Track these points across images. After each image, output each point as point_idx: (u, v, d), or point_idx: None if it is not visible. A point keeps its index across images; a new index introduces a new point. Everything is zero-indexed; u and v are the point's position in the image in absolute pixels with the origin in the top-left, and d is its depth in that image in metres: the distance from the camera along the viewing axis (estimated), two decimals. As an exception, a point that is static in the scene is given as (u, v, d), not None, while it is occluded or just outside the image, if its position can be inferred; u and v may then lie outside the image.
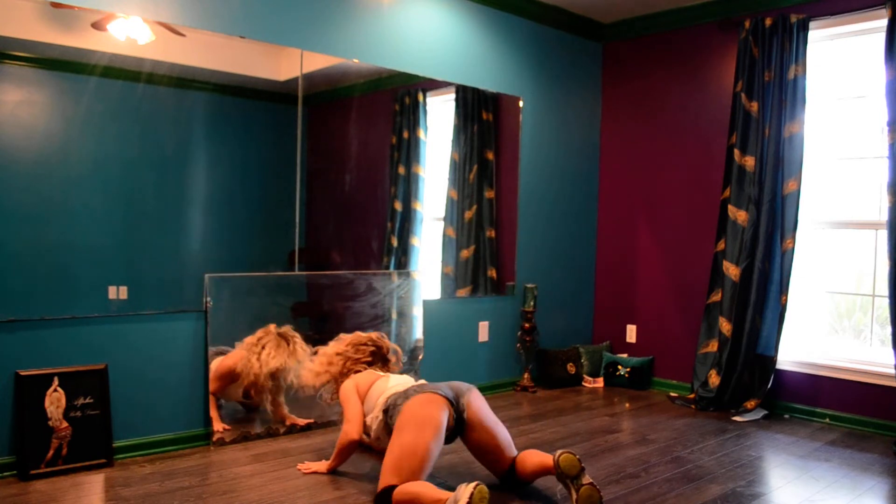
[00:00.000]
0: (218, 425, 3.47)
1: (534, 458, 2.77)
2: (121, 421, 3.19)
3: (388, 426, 2.81)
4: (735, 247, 4.38)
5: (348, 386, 3.11)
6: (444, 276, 4.66)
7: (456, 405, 2.76)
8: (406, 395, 2.77)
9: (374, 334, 3.39)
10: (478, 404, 2.82)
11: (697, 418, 4.18)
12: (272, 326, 3.59)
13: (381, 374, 3.17)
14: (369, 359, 3.28)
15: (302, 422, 3.69)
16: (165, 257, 3.49)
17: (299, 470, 3.09)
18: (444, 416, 2.68)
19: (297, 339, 3.60)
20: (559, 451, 2.63)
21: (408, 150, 4.48)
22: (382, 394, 2.96)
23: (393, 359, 3.37)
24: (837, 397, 4.13)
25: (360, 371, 3.23)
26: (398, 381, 3.03)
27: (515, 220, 4.84)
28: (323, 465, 3.09)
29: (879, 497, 3.01)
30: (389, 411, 2.81)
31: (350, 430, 2.99)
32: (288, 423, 3.65)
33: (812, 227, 4.34)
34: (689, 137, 4.84)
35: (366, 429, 3.01)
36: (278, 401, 3.62)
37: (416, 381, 3.11)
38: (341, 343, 3.33)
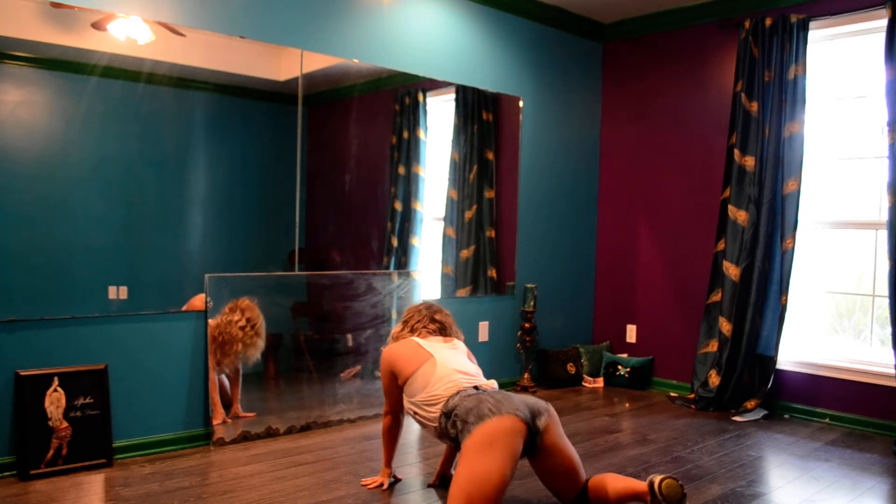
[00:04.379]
0: (219, 415, 3.49)
1: (617, 484, 2.53)
2: (121, 421, 3.19)
3: (445, 432, 2.58)
4: (735, 247, 4.37)
5: (383, 366, 2.87)
6: (444, 276, 4.66)
7: (532, 426, 2.46)
8: (480, 413, 2.41)
9: (418, 304, 3.12)
10: (555, 427, 2.53)
11: (697, 418, 4.18)
12: (246, 301, 3.59)
13: (423, 346, 2.83)
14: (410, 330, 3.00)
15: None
16: (165, 257, 3.49)
17: (364, 485, 2.93)
18: (521, 444, 2.40)
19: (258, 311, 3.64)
20: (659, 477, 2.39)
21: (408, 150, 4.48)
22: (430, 383, 2.66)
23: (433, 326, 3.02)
24: (837, 397, 4.13)
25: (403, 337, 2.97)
26: (445, 366, 2.71)
27: (515, 220, 4.84)
28: (382, 474, 2.96)
29: (879, 497, 3.01)
30: (453, 419, 2.51)
31: (385, 410, 2.91)
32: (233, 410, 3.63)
33: (812, 227, 4.34)
34: (689, 137, 4.84)
35: (408, 411, 2.80)
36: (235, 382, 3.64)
37: (460, 355, 2.86)
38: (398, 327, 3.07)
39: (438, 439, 2.73)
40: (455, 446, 2.57)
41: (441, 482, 2.98)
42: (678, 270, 4.91)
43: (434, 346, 2.85)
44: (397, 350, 2.87)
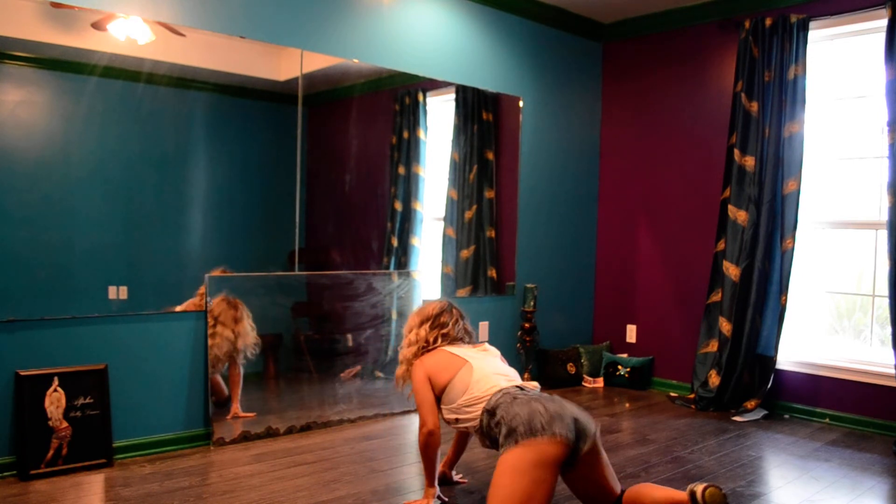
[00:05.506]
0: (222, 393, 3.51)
1: (656, 494, 2.42)
2: (121, 421, 3.19)
3: (488, 431, 2.49)
4: (735, 247, 4.37)
5: (418, 374, 2.74)
6: (444, 275, 4.66)
7: (573, 448, 2.31)
8: (531, 427, 2.27)
9: (443, 303, 2.96)
10: (596, 450, 2.40)
11: (697, 418, 4.18)
12: (216, 300, 3.54)
13: (457, 353, 2.75)
14: (443, 338, 2.85)
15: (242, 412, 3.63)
16: (165, 257, 3.49)
17: None
18: (561, 462, 2.29)
19: (241, 303, 3.58)
20: (702, 486, 2.31)
21: (408, 150, 4.48)
22: (469, 387, 2.59)
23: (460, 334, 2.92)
24: (837, 397, 4.13)
25: (430, 350, 2.83)
26: (482, 370, 2.64)
27: (515, 220, 4.84)
28: (427, 495, 2.76)
29: (879, 497, 3.01)
30: (498, 419, 2.40)
31: (425, 423, 2.67)
32: (233, 410, 3.60)
33: (812, 227, 4.34)
34: (689, 137, 4.84)
35: (447, 419, 2.71)
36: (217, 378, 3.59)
37: (494, 358, 2.77)
38: (415, 319, 2.93)
39: (478, 438, 2.63)
40: (493, 447, 2.49)
41: (441, 481, 2.97)
42: (678, 270, 4.91)
43: (466, 352, 2.77)
44: (430, 360, 2.76)
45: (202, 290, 3.46)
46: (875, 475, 3.25)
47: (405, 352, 2.88)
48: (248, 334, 3.59)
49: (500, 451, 2.34)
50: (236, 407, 3.58)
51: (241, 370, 3.59)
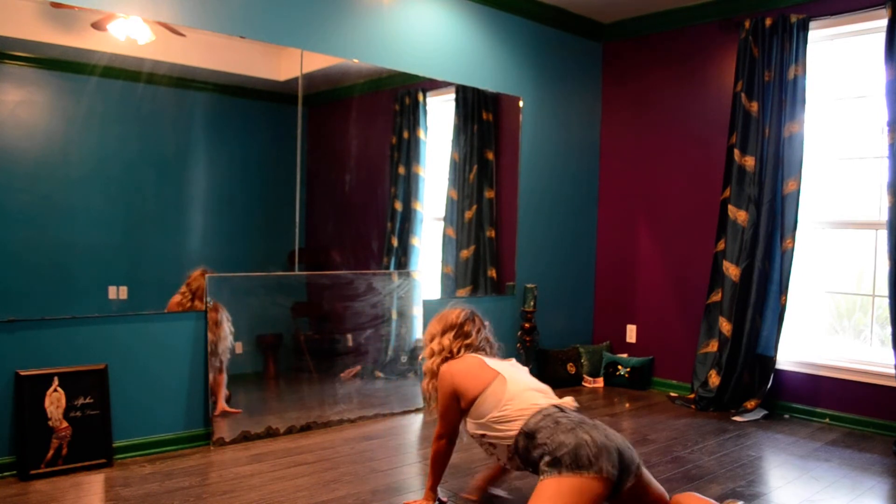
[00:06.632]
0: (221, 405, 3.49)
1: None
2: (121, 421, 3.19)
3: (524, 453, 2.40)
4: (735, 247, 4.38)
5: (445, 384, 2.63)
6: (444, 275, 4.66)
7: (618, 482, 2.26)
8: (577, 458, 2.21)
9: (465, 311, 2.83)
10: (638, 485, 2.34)
11: (697, 418, 4.18)
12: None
13: (488, 363, 2.65)
14: (466, 348, 2.75)
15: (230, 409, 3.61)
16: (165, 257, 3.49)
17: None
18: (602, 500, 2.24)
19: (221, 307, 3.53)
20: None
21: (408, 150, 4.48)
22: (502, 401, 2.49)
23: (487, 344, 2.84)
24: (837, 397, 4.13)
25: (458, 356, 2.72)
26: (517, 383, 2.55)
27: (515, 220, 4.84)
28: (426, 498, 2.73)
29: (879, 497, 3.01)
30: (538, 445, 2.33)
31: (444, 434, 2.64)
32: (219, 408, 3.57)
33: (812, 227, 4.34)
34: (689, 137, 4.84)
35: (473, 434, 2.62)
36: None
37: (525, 372, 2.71)
38: (437, 326, 2.80)
39: (506, 460, 2.54)
40: (528, 469, 2.43)
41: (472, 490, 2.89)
42: (678, 270, 4.91)
43: (496, 363, 2.68)
44: (458, 368, 2.65)
45: (183, 288, 3.45)
46: (875, 475, 3.25)
47: (429, 363, 2.75)
48: (227, 338, 3.57)
49: (540, 476, 2.27)
50: (221, 403, 3.53)
51: (225, 373, 3.54)
